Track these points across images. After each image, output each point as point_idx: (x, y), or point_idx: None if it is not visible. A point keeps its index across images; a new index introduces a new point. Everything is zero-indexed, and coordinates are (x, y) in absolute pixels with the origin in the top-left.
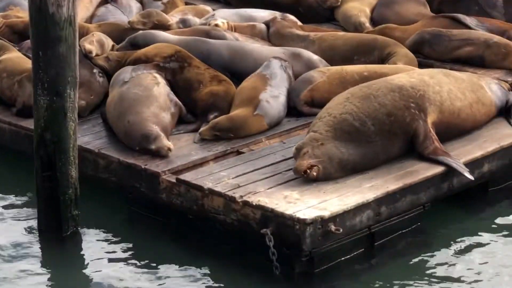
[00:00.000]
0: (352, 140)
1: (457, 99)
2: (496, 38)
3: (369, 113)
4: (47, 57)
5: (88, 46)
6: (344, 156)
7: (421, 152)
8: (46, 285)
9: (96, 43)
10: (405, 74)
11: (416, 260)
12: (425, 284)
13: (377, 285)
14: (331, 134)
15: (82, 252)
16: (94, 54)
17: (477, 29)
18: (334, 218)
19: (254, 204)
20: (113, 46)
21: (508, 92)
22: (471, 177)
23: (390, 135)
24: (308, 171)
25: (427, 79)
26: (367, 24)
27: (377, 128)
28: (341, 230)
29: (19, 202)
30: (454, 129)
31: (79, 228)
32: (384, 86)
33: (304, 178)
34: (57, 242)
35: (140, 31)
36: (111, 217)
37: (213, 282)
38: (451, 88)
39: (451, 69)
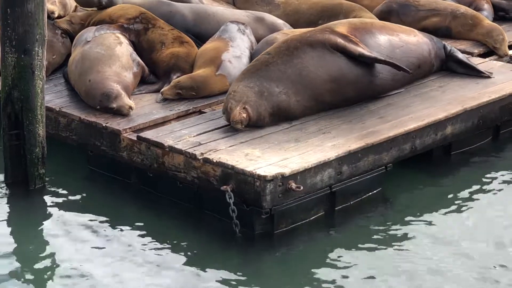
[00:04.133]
0: (253, 73)
1: (365, 18)
2: (463, 9)
3: (269, 49)
4: (15, 15)
5: (50, 6)
6: (255, 88)
7: (355, 55)
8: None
9: (59, 3)
10: None
11: (376, 224)
12: (383, 249)
13: (336, 250)
14: (237, 81)
15: (45, 209)
16: (56, 14)
17: None
18: (295, 176)
19: (214, 161)
20: (76, 7)
21: (442, 49)
22: (408, 70)
23: (289, 51)
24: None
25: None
26: None
27: (273, 53)
28: (301, 188)
29: None
30: (374, 36)
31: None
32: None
33: (243, 127)
34: (22, 199)
35: None
36: (73, 174)
37: (171, 240)
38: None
39: None
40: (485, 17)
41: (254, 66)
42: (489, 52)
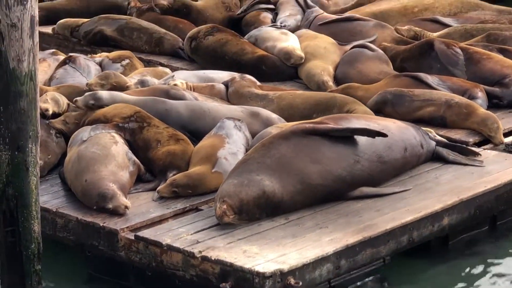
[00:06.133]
0: (233, 172)
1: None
2: (457, 98)
3: (246, 153)
4: (8, 112)
5: (43, 105)
6: (234, 181)
7: (327, 131)
8: None
9: (51, 100)
10: None
11: None
12: None
13: None
14: (221, 185)
15: None
16: (50, 112)
17: (438, 88)
18: (293, 272)
19: (213, 259)
20: (68, 105)
21: (426, 135)
22: (384, 134)
23: (265, 146)
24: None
25: None
26: (330, 83)
27: (250, 152)
28: (300, 284)
29: None
30: (349, 121)
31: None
32: None
33: (232, 218)
34: None
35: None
36: (71, 278)
37: None
38: None
39: None
40: (480, 105)
41: (233, 168)
42: (485, 140)
